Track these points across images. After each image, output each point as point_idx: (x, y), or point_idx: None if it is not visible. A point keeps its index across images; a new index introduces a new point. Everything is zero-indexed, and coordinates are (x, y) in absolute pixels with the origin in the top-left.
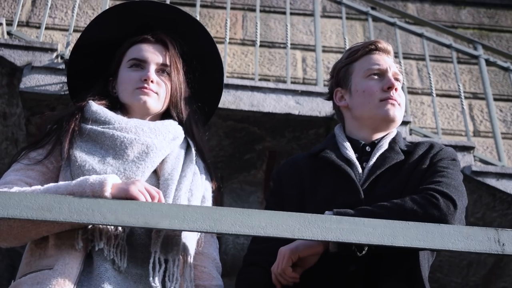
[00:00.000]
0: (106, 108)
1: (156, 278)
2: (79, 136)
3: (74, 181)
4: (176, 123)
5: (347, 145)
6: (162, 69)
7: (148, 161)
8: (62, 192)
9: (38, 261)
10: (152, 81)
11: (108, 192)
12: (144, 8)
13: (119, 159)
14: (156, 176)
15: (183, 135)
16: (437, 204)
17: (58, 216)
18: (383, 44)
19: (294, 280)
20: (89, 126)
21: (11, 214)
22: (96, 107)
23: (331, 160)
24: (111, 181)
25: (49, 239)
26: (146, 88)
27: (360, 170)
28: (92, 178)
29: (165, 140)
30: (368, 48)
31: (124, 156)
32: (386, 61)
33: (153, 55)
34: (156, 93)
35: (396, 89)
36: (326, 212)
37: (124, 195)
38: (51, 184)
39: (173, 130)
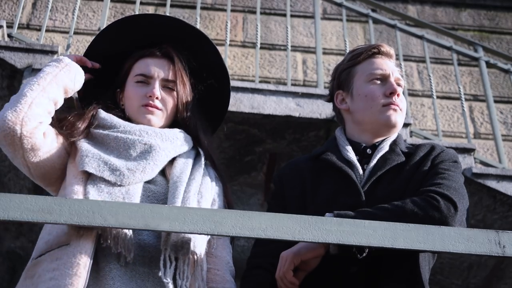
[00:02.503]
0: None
1: (167, 275)
2: (86, 139)
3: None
4: (183, 132)
5: (348, 147)
6: (167, 85)
7: (149, 159)
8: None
9: (56, 239)
10: (157, 98)
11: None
12: (152, 21)
13: (122, 159)
14: (166, 180)
15: (191, 143)
16: (438, 206)
17: (58, 218)
18: (386, 48)
19: (293, 285)
20: (95, 130)
21: (11, 216)
22: (105, 114)
23: (332, 162)
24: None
25: None
26: (151, 105)
27: (361, 171)
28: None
29: (172, 144)
30: (371, 52)
31: (126, 155)
32: (388, 65)
33: (159, 70)
34: (161, 109)
35: (398, 95)
36: (327, 214)
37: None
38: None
39: (181, 137)
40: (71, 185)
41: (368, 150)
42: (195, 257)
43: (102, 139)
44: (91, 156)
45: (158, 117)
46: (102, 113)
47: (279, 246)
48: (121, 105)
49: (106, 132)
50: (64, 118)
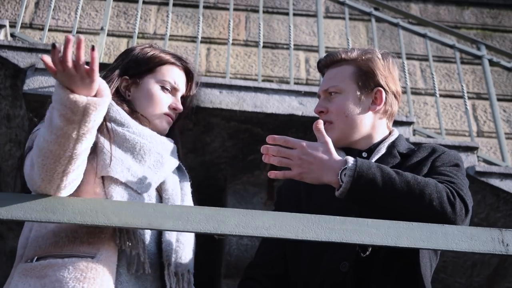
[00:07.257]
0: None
1: None
2: (101, 134)
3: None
4: (173, 142)
5: (341, 153)
6: (181, 98)
7: (162, 170)
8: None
9: (71, 245)
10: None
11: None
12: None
13: (137, 163)
14: (157, 192)
15: (176, 154)
16: (454, 203)
17: (61, 218)
18: (322, 62)
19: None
20: (111, 125)
21: (15, 215)
22: (117, 107)
23: None
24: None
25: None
26: (172, 117)
27: None
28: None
29: (173, 157)
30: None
31: (141, 161)
32: (323, 81)
33: (182, 86)
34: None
35: (324, 111)
36: (348, 157)
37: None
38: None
39: (174, 150)
40: (92, 188)
41: (363, 153)
42: (190, 274)
43: (118, 137)
44: (114, 161)
45: (169, 127)
46: (115, 105)
47: (278, 257)
48: (126, 95)
49: (121, 130)
50: None
